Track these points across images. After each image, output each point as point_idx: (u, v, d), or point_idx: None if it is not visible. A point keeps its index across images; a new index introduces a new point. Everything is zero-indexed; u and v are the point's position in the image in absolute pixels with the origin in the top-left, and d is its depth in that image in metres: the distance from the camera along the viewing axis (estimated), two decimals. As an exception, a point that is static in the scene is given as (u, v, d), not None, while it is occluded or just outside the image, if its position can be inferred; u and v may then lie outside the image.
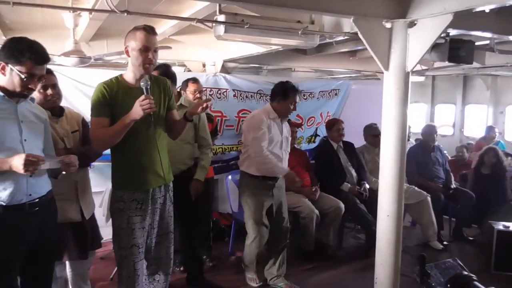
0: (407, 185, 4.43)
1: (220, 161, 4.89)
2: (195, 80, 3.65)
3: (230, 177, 4.34)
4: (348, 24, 3.22)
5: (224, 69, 5.11)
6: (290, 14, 3.25)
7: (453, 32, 3.03)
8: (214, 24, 3.07)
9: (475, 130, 8.21)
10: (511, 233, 3.88)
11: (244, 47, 4.28)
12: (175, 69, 5.97)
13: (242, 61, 5.12)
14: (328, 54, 4.93)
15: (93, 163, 3.20)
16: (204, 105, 2.31)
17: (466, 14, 2.39)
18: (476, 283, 3.11)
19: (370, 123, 4.83)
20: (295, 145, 4.58)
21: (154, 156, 2.29)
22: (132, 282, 2.28)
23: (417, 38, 2.61)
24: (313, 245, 4.04)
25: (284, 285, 3.40)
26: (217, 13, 2.97)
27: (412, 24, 2.60)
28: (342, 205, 4.12)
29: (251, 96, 5.09)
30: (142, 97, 2.11)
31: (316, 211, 3.97)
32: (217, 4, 2.92)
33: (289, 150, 3.47)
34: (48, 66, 2.26)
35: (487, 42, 4.05)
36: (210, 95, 4.79)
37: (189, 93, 3.59)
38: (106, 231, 2.93)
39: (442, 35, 2.76)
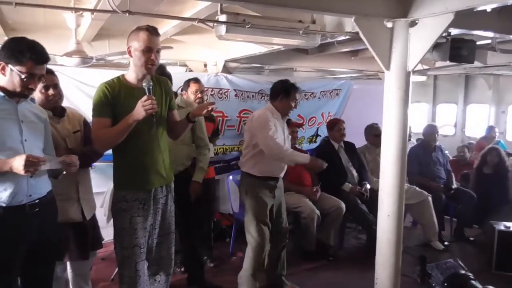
0: (408, 185, 4.42)
1: (221, 161, 4.89)
2: (196, 80, 3.66)
3: (231, 177, 4.35)
4: (350, 24, 3.22)
5: (226, 69, 5.12)
6: (292, 13, 3.25)
7: (454, 31, 3.03)
8: (215, 24, 3.07)
9: (477, 130, 8.19)
10: (513, 233, 3.88)
11: (245, 47, 4.28)
12: (176, 69, 6.05)
13: (244, 61, 5.13)
14: (330, 54, 4.94)
15: (94, 164, 3.19)
16: (210, 108, 2.32)
17: (468, 13, 2.39)
18: (473, 281, 3.11)
19: (371, 123, 4.82)
20: (296, 145, 4.57)
21: (156, 156, 2.30)
22: (134, 283, 2.27)
23: (418, 38, 2.60)
24: (314, 245, 4.04)
25: (285, 285, 3.40)
26: (219, 13, 2.97)
27: (413, 24, 2.60)
28: (343, 205, 4.12)
29: (253, 96, 5.09)
30: (145, 97, 2.11)
31: (317, 211, 3.97)
32: (219, 4, 2.92)
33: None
34: (50, 66, 2.27)
35: (489, 41, 4.05)
36: (211, 95, 4.79)
37: (190, 93, 3.59)
38: (107, 232, 2.95)
39: (444, 34, 2.76)
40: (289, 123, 3.95)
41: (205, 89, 4.03)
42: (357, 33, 2.82)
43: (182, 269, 3.61)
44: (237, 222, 4.12)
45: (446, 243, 4.50)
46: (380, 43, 2.69)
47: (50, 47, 2.02)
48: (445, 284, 3.25)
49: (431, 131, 5.00)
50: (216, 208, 4.61)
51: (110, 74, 2.51)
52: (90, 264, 2.79)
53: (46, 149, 2.11)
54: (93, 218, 2.69)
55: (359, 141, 4.87)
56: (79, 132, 2.58)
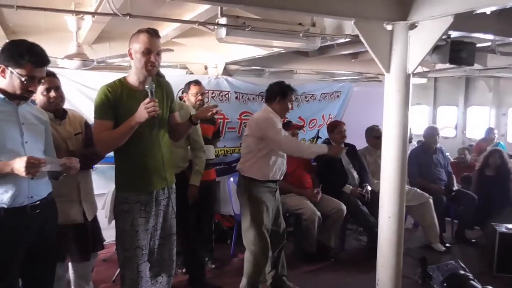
0: (409, 187, 4.43)
1: (222, 163, 4.89)
2: (197, 83, 3.67)
3: (232, 179, 4.35)
4: (349, 27, 3.23)
5: (226, 72, 5.14)
6: (292, 16, 3.26)
7: (454, 34, 3.04)
8: (215, 27, 3.08)
9: (477, 132, 8.19)
10: (514, 235, 3.87)
11: (245, 49, 4.29)
12: (177, 71, 6.06)
13: (244, 64, 5.14)
14: (330, 56, 4.95)
15: (96, 166, 3.21)
16: (214, 110, 2.33)
17: (467, 16, 2.39)
18: (472, 282, 3.11)
19: (372, 125, 4.83)
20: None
21: (158, 158, 2.30)
22: (136, 284, 2.28)
23: (418, 40, 2.61)
24: (315, 247, 4.04)
25: (286, 286, 3.40)
26: (219, 16, 2.98)
27: (413, 26, 2.61)
28: (344, 207, 4.12)
29: (253, 98, 5.10)
30: (147, 100, 2.12)
31: (318, 213, 3.97)
32: (219, 7, 2.94)
33: None
34: (51, 69, 2.28)
35: (489, 44, 4.06)
36: (212, 97, 4.81)
37: (191, 96, 3.61)
38: (108, 233, 2.95)
39: (443, 37, 2.76)
40: (290, 125, 3.95)
41: (206, 91, 4.04)
42: (357, 35, 2.83)
43: (184, 270, 3.61)
44: (238, 224, 4.11)
45: (447, 245, 4.50)
46: (380, 45, 2.70)
47: (51, 50, 2.03)
48: (445, 284, 3.25)
49: (431, 133, 5.00)
50: (217, 210, 4.61)
51: (111, 77, 2.52)
52: (91, 265, 2.80)
53: (46, 151, 2.12)
54: (95, 219, 2.70)
55: (360, 143, 4.87)
56: (80, 134, 2.59)
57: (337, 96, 5.91)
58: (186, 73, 5.84)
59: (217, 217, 4.59)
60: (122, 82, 2.27)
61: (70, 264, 2.66)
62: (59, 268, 2.36)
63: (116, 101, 2.21)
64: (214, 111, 2.33)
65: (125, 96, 2.23)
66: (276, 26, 3.16)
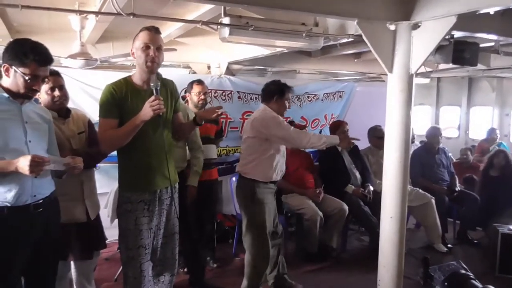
0: (411, 187, 4.43)
1: (225, 162, 4.90)
2: (200, 82, 3.68)
3: (234, 178, 4.34)
4: (353, 26, 3.23)
5: (229, 71, 5.14)
6: (295, 16, 3.27)
7: (457, 34, 3.03)
8: (219, 27, 3.09)
9: (480, 133, 8.16)
10: (516, 236, 3.87)
11: (248, 49, 4.29)
12: (180, 71, 6.07)
13: (247, 63, 5.14)
14: (333, 56, 4.94)
15: (99, 165, 3.23)
16: (219, 111, 2.33)
17: (470, 16, 2.39)
18: (473, 281, 3.11)
19: (375, 125, 4.82)
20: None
21: (162, 157, 2.30)
22: (138, 283, 2.29)
23: (421, 40, 2.61)
24: (316, 247, 4.04)
25: (288, 283, 3.40)
26: (222, 15, 2.99)
27: (416, 26, 2.61)
28: (346, 207, 4.12)
29: (256, 98, 5.10)
30: (152, 97, 2.13)
31: (320, 213, 3.97)
32: (222, 7, 2.94)
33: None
34: (55, 68, 2.29)
35: (492, 44, 4.04)
36: (214, 97, 4.82)
37: (193, 95, 3.61)
38: (110, 232, 2.96)
39: (446, 37, 2.76)
40: (292, 125, 3.95)
41: (209, 90, 4.05)
42: (360, 35, 2.83)
43: (185, 270, 3.62)
44: (240, 224, 4.12)
45: (449, 245, 4.49)
46: (383, 45, 2.70)
47: (54, 49, 2.03)
48: (445, 283, 3.25)
49: (434, 133, 5.00)
50: (219, 209, 4.62)
51: (114, 76, 2.53)
52: (93, 264, 2.81)
53: (50, 149, 2.12)
54: (97, 218, 2.72)
55: (362, 143, 4.87)
56: (84, 133, 2.60)
57: (340, 96, 5.91)
58: (189, 73, 5.85)
59: (219, 217, 4.59)
60: (127, 81, 2.28)
61: (72, 263, 2.68)
62: (61, 267, 2.38)
63: (121, 100, 2.21)
64: (219, 112, 2.34)
65: (130, 95, 2.23)
66: (279, 26, 3.16)
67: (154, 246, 2.37)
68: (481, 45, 3.48)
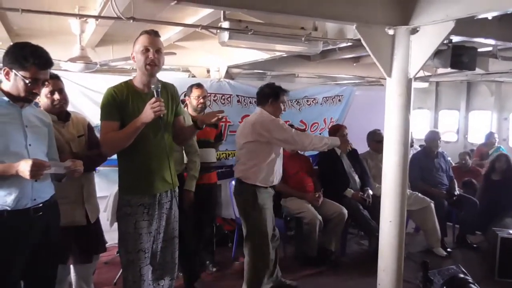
0: (410, 192, 4.43)
1: (224, 166, 4.90)
2: (199, 86, 3.68)
3: (233, 182, 4.34)
4: (351, 31, 3.24)
5: (228, 75, 5.15)
6: (294, 20, 3.28)
7: (455, 38, 3.05)
8: (218, 31, 3.10)
9: (479, 137, 8.18)
10: (515, 240, 3.86)
11: (248, 53, 4.31)
12: (179, 74, 6.08)
13: (246, 67, 5.16)
14: (332, 60, 4.96)
15: (98, 168, 3.22)
16: (220, 115, 2.33)
17: (469, 21, 2.41)
18: (472, 285, 3.11)
19: (374, 129, 4.83)
20: (298, 151, 4.58)
21: (163, 160, 2.29)
22: (138, 287, 2.28)
23: (419, 45, 2.62)
24: (316, 251, 4.03)
25: (285, 283, 3.40)
26: (222, 19, 3.00)
27: (414, 31, 2.62)
28: (345, 211, 4.12)
29: (255, 101, 5.09)
30: (153, 99, 2.13)
31: (319, 217, 3.97)
32: (222, 11, 2.95)
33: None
34: (55, 72, 2.29)
35: (490, 48, 4.07)
36: (214, 100, 4.82)
37: (193, 98, 3.62)
38: (110, 236, 2.96)
39: (445, 41, 2.78)
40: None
41: (208, 94, 4.06)
42: (358, 40, 2.84)
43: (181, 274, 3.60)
44: (239, 227, 4.12)
45: (448, 249, 4.50)
46: (381, 50, 2.71)
47: (54, 53, 2.03)
48: (445, 287, 3.25)
49: (433, 138, 5.01)
50: (218, 213, 4.62)
51: (114, 80, 2.54)
52: (93, 268, 2.80)
53: (50, 153, 2.13)
54: (97, 221, 2.71)
55: (361, 147, 4.87)
56: (84, 136, 2.60)
57: (339, 100, 5.92)
58: (189, 76, 5.86)
59: (218, 221, 4.59)
60: (128, 84, 2.28)
61: (71, 266, 2.67)
62: (61, 270, 2.37)
63: (122, 102, 2.22)
64: (220, 116, 2.34)
65: (131, 98, 2.24)
66: (278, 30, 3.17)
67: (153, 250, 2.36)
68: (479, 50, 3.50)
